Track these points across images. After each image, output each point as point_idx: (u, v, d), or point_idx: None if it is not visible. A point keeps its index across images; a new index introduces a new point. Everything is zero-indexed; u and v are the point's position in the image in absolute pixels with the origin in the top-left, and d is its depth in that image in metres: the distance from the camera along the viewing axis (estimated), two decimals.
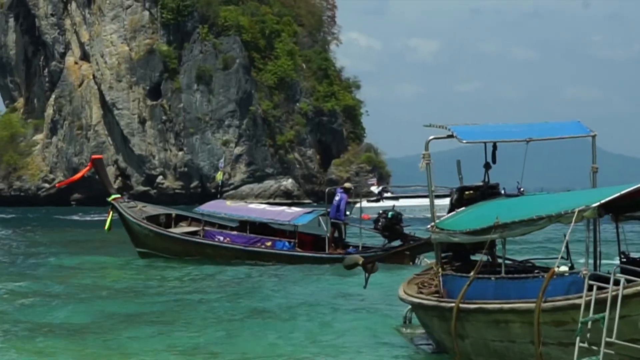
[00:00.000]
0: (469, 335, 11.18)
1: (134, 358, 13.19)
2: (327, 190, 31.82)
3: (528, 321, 10.14)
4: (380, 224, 25.41)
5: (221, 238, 27.54)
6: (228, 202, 30.26)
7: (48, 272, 25.31)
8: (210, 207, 29.09)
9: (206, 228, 28.04)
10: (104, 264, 27.86)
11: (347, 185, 28.62)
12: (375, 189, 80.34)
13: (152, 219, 29.27)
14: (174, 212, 30.10)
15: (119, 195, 30.19)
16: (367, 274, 16.17)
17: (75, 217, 67.87)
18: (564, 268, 10.97)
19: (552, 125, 13.35)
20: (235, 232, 27.62)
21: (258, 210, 28.30)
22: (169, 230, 28.54)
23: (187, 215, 29.94)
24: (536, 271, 11.95)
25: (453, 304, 11.25)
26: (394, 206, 26.87)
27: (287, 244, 26.75)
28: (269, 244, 26.97)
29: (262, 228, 27.58)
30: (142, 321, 16.31)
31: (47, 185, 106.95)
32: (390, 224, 25.31)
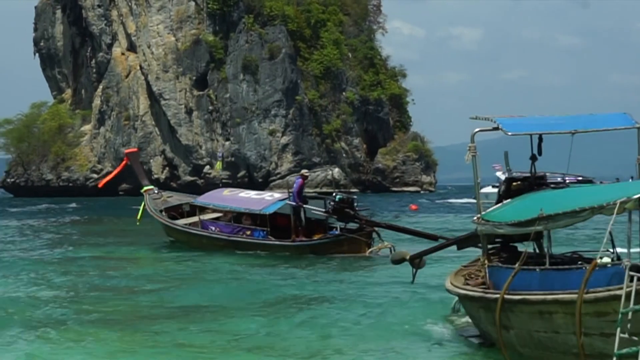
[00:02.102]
0: (513, 326, 11.24)
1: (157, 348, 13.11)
2: (287, 178, 32.39)
3: (571, 312, 10.20)
4: (330, 207, 25.93)
5: (213, 228, 28.37)
6: (225, 192, 30.61)
7: (88, 262, 25.29)
8: (204, 199, 29.74)
9: (203, 218, 28.66)
10: (135, 253, 28.12)
11: (303, 171, 29.27)
12: (500, 175, 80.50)
13: (174, 209, 29.80)
14: None
15: (150, 187, 30.82)
16: (414, 269, 16.04)
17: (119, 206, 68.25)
18: (606, 259, 10.99)
19: (598, 117, 13.32)
20: (222, 222, 28.37)
21: (243, 199, 28.67)
22: (174, 222, 29.20)
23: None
24: (579, 262, 12.01)
25: (498, 295, 11.33)
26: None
27: (261, 233, 27.35)
28: (248, 232, 27.65)
29: (258, 215, 27.93)
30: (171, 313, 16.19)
31: (95, 175, 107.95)
32: (339, 206, 25.79)
